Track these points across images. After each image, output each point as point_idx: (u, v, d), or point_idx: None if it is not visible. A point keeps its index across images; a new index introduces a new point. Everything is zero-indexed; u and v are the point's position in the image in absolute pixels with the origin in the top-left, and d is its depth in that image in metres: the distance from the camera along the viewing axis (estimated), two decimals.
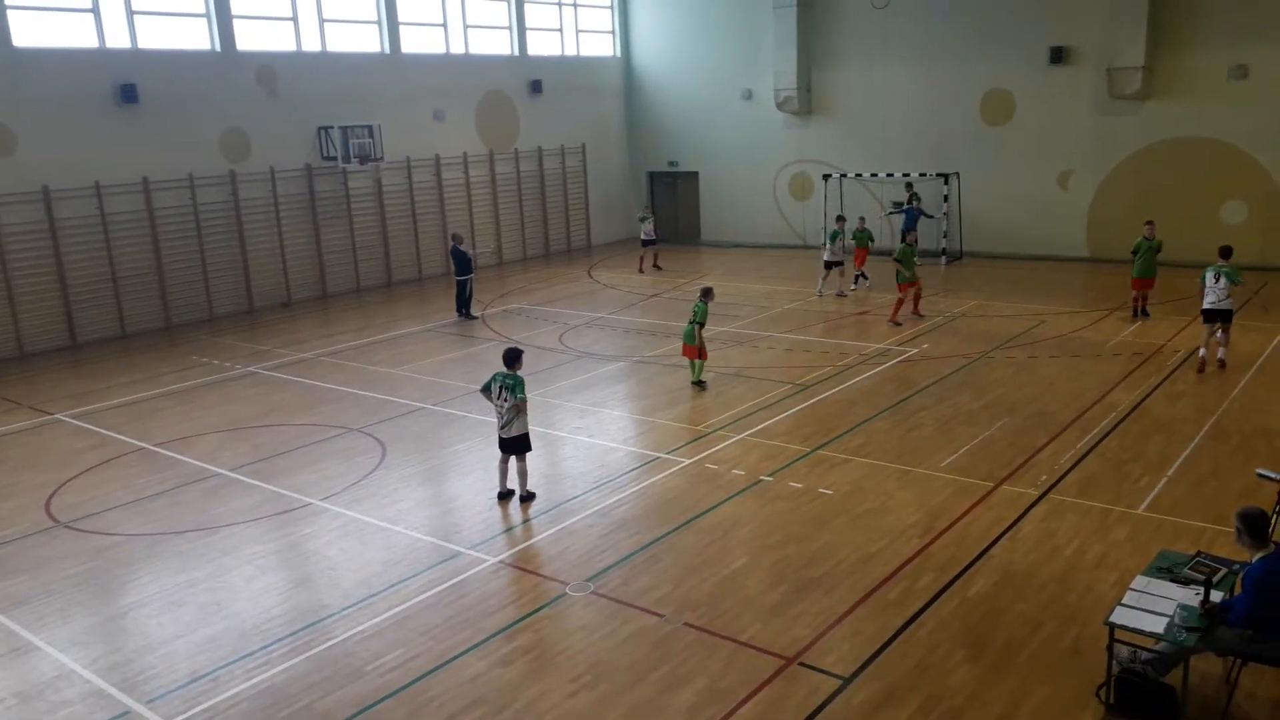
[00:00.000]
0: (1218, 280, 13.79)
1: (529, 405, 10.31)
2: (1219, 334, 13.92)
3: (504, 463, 10.42)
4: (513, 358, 10.32)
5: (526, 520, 9.94)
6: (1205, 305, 13.89)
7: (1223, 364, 13.98)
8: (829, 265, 20.39)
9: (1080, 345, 15.75)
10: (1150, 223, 17.59)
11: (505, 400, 10.07)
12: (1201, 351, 14.05)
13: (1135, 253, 17.29)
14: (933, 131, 25.10)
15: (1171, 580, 6.58)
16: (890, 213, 24.79)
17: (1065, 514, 9.43)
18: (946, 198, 24.35)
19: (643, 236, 25.06)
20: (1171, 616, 6.15)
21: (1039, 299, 19.36)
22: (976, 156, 24.53)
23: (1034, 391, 13.37)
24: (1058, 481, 10.22)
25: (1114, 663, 6.34)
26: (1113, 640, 6.32)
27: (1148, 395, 12.95)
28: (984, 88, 24.23)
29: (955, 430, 11.96)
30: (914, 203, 23.78)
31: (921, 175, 24.83)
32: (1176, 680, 6.16)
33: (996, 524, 9.27)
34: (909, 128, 25.47)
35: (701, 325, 14.15)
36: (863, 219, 22.15)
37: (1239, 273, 14.18)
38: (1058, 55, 22.93)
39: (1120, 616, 6.25)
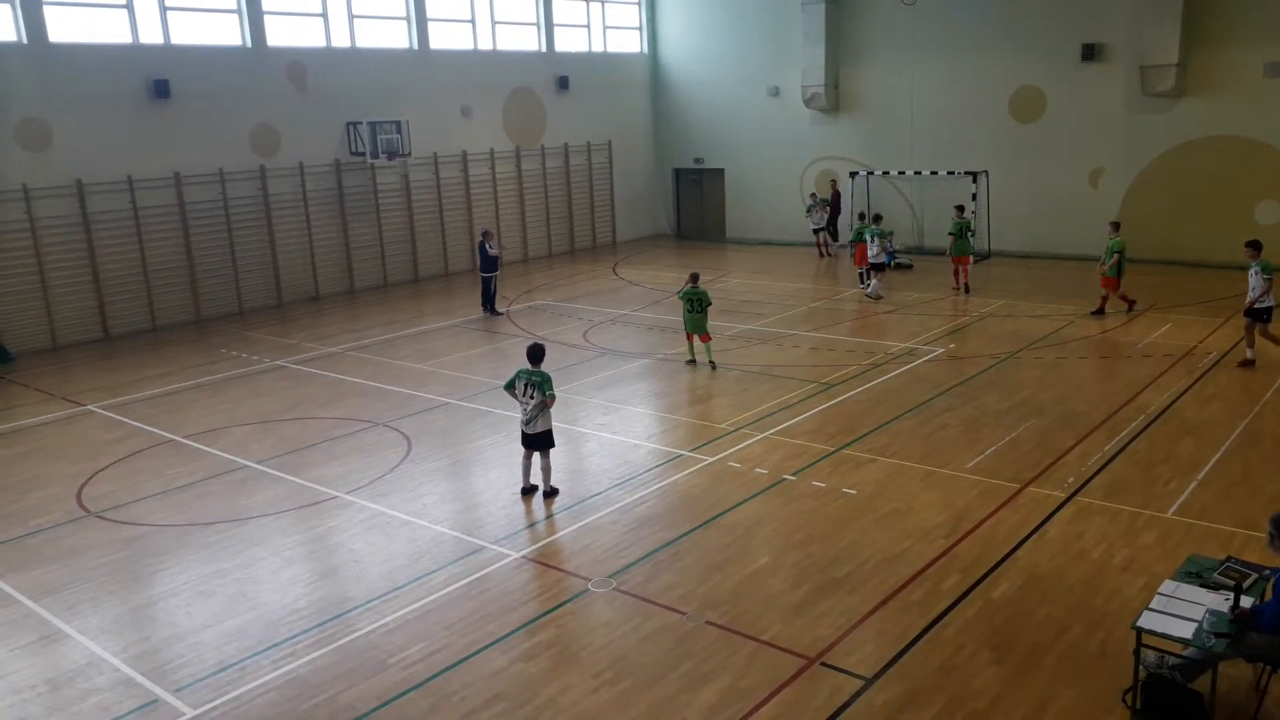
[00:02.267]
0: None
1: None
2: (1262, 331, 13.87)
3: (527, 458, 10.46)
4: (538, 354, 10.34)
5: (550, 516, 9.98)
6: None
7: (1249, 363, 13.84)
8: (875, 267, 20.06)
9: (1110, 346, 15.57)
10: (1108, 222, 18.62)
11: (532, 397, 10.09)
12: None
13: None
14: (961, 129, 24.89)
15: (1200, 585, 6.50)
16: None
17: (1093, 517, 9.33)
18: (975, 196, 24.15)
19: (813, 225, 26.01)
20: (1200, 622, 6.07)
21: (1068, 299, 19.15)
22: (1006, 155, 24.29)
23: (1062, 392, 13.24)
24: (1085, 484, 10.12)
25: (1141, 668, 6.28)
26: (1140, 645, 6.25)
27: (1178, 397, 12.79)
28: (1014, 85, 23.99)
29: (982, 431, 11.87)
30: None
31: (950, 173, 24.65)
32: (1205, 686, 6.09)
33: (1023, 526, 9.19)
34: (937, 125, 25.27)
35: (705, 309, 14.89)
36: (876, 216, 21.95)
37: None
38: (1089, 52, 22.65)
39: (1148, 621, 6.19)
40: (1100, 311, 17.56)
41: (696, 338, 15.26)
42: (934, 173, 24.94)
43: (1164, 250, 22.54)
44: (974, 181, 24.19)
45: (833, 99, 26.85)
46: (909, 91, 25.59)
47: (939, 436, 11.74)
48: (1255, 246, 14.44)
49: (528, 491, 10.46)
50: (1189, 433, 11.49)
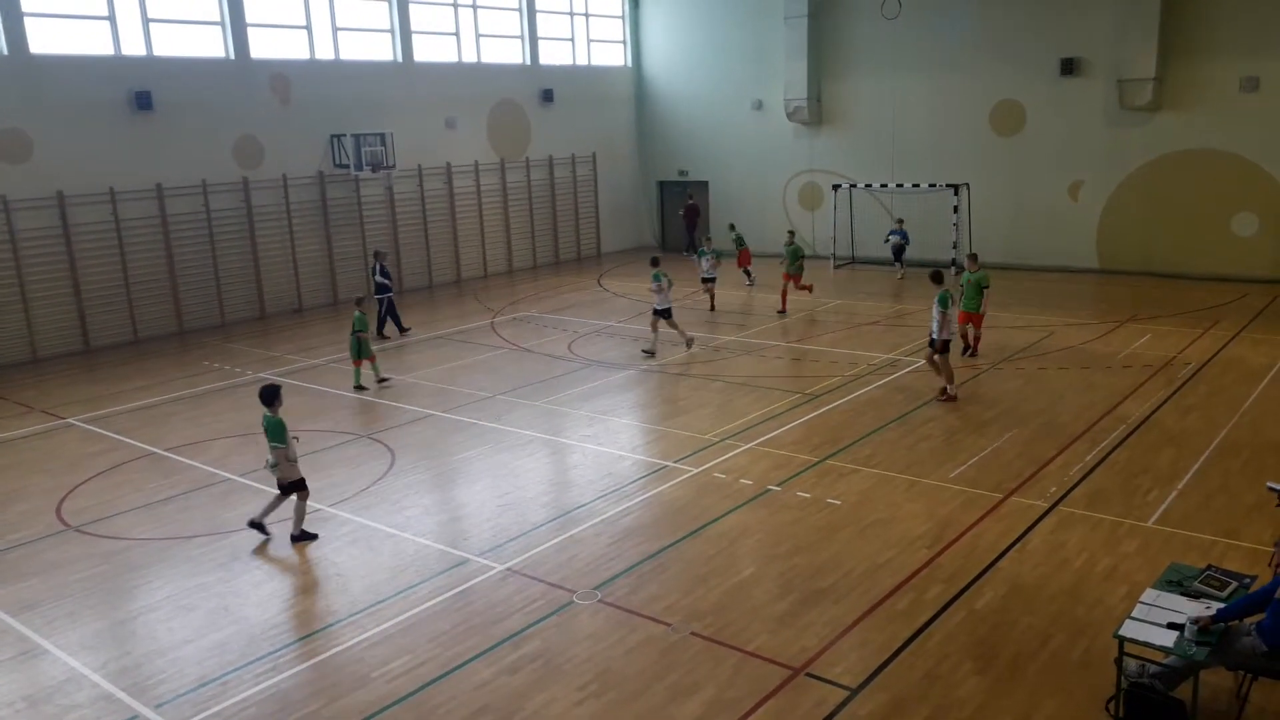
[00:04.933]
0: None
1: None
2: None
3: (279, 500, 9.78)
4: (266, 396, 9.61)
5: (534, 528, 9.95)
6: None
7: None
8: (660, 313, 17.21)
9: (1090, 357, 15.70)
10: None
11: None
12: None
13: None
14: (943, 142, 25.10)
15: (1181, 593, 6.54)
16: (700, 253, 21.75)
17: (1075, 526, 9.39)
18: (956, 208, 24.34)
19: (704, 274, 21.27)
20: (1181, 630, 6.12)
21: (1048, 310, 19.32)
22: (986, 167, 24.51)
23: (1043, 403, 13.33)
24: (1067, 493, 10.19)
25: (1123, 676, 6.31)
26: (1122, 653, 6.29)
27: (1158, 408, 12.91)
28: (994, 99, 24.22)
29: (964, 441, 11.93)
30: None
31: (931, 186, 24.84)
32: (1187, 694, 6.13)
33: (1005, 535, 9.24)
34: (919, 138, 25.47)
35: None
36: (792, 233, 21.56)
37: None
38: (1068, 66, 22.91)
39: (1130, 630, 6.23)
40: (973, 352, 15.95)
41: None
42: (916, 185, 25.12)
43: (1142, 262, 22.80)
44: (955, 194, 24.39)
45: (815, 112, 27.03)
46: (891, 105, 25.80)
47: (922, 447, 11.80)
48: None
49: (255, 525, 9.78)
50: (1169, 442, 11.59)
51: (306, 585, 8.88)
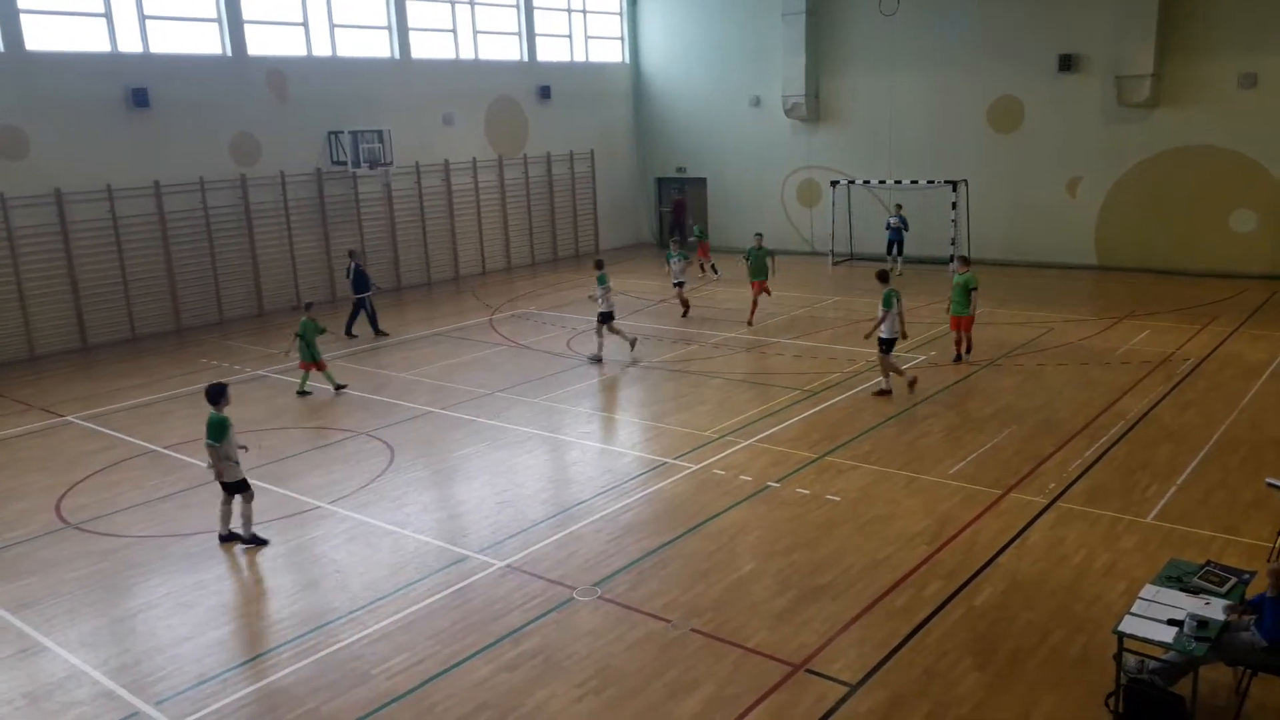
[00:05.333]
0: None
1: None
2: None
3: (226, 503, 9.65)
4: (212, 394, 9.45)
5: (533, 525, 9.95)
6: None
7: None
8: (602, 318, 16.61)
9: (1088, 353, 15.71)
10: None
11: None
12: None
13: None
14: (941, 139, 25.08)
15: (1180, 589, 6.55)
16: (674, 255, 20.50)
17: (1073, 522, 9.40)
18: (955, 205, 24.34)
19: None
20: (1181, 625, 6.12)
21: (1047, 306, 19.33)
22: (984, 164, 24.49)
23: (1042, 399, 13.34)
24: (1066, 490, 10.20)
25: (1122, 672, 6.32)
26: (1121, 649, 6.30)
27: (1156, 404, 12.92)
28: (992, 95, 24.21)
29: (963, 438, 11.94)
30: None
31: (930, 182, 24.84)
32: (1186, 690, 6.14)
33: (1004, 532, 9.25)
34: (917, 135, 25.46)
35: None
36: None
37: None
38: (1066, 63, 22.90)
39: (1129, 625, 6.23)
40: (959, 358, 15.50)
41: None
42: (914, 182, 25.11)
43: (1140, 258, 22.81)
44: (953, 190, 24.38)
45: (813, 109, 27.01)
46: (889, 101, 25.79)
47: (921, 443, 11.80)
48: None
49: (225, 539, 9.70)
50: (1168, 438, 11.60)
51: (305, 582, 8.87)
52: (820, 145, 27.37)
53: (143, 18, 19.61)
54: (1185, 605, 6.32)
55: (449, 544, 9.52)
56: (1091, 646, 7.19)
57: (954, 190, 24.39)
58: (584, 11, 29.21)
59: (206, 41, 20.80)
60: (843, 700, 6.72)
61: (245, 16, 21.12)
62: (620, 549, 9.21)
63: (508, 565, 8.98)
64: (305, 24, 22.35)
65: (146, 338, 19.86)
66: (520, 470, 11.51)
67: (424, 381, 15.60)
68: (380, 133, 22.76)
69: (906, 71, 25.33)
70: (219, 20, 20.84)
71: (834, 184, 26.44)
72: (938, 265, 23.77)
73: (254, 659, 7.56)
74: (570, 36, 28.94)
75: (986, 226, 24.54)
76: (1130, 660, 6.35)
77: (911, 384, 13.96)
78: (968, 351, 15.68)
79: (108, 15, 19.15)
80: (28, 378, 17.11)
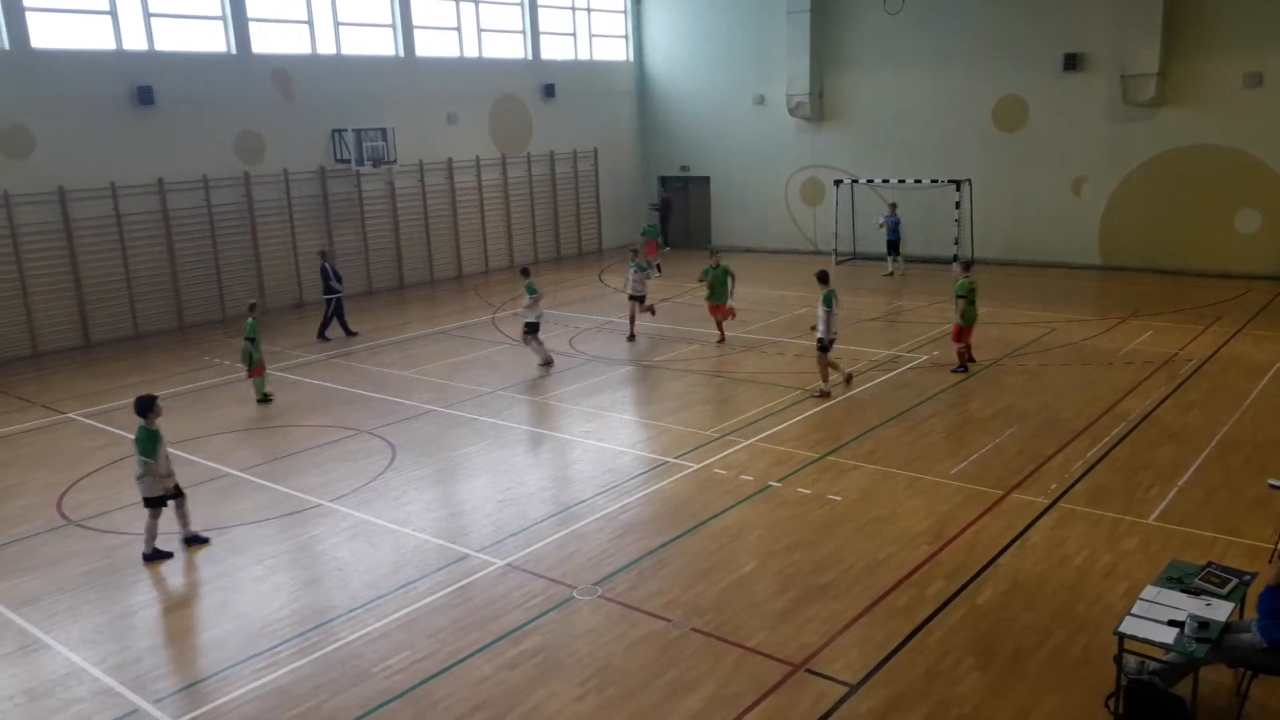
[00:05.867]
0: None
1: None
2: None
3: (154, 517, 9.32)
4: (143, 408, 9.19)
5: (534, 524, 9.95)
6: None
7: None
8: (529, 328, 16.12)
9: (1091, 353, 15.68)
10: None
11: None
12: None
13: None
14: (945, 138, 25.04)
15: (1182, 590, 6.53)
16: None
17: (1075, 523, 9.38)
18: (959, 204, 24.30)
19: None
20: (1181, 627, 6.11)
21: (1050, 306, 19.29)
22: (989, 163, 24.46)
23: (1045, 399, 13.31)
24: (1068, 490, 10.18)
25: (1123, 673, 6.31)
26: (1122, 650, 6.28)
27: (1159, 404, 12.89)
28: (997, 94, 24.16)
29: (965, 438, 11.92)
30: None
31: (934, 182, 24.80)
32: (1187, 691, 6.12)
33: (1006, 532, 9.23)
34: (921, 134, 25.43)
35: None
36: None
37: None
38: (1071, 62, 22.85)
39: (1130, 626, 6.22)
40: (963, 367, 14.98)
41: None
42: (918, 181, 25.08)
43: (1144, 258, 22.76)
44: (957, 189, 24.35)
45: (817, 108, 26.98)
46: (893, 100, 25.75)
47: (923, 443, 11.78)
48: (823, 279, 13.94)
49: (190, 542, 9.61)
50: (1170, 439, 11.57)
51: (306, 580, 8.88)
52: (824, 144, 27.33)
53: (148, 15, 19.63)
54: (1186, 606, 6.30)
55: (450, 542, 9.52)
56: (1092, 647, 7.18)
57: (958, 190, 24.37)
58: (588, 10, 29.20)
59: (211, 39, 20.83)
60: (843, 700, 6.71)
61: (250, 14, 21.15)
62: (621, 548, 9.21)
63: (508, 564, 8.98)
64: (310, 22, 22.37)
65: (149, 335, 19.89)
66: (521, 469, 11.51)
67: (426, 380, 15.60)
68: (384, 131, 22.77)
69: (910, 70, 25.29)
70: (224, 18, 20.85)
71: (837, 183, 26.41)
72: (941, 265, 23.71)
73: (254, 657, 7.56)
74: (574, 35, 28.94)
75: (990, 226, 24.51)
76: (1131, 661, 6.34)
77: (848, 379, 14.17)
78: (969, 359, 15.25)
79: (113, 13, 19.17)
80: (30, 374, 17.14)
